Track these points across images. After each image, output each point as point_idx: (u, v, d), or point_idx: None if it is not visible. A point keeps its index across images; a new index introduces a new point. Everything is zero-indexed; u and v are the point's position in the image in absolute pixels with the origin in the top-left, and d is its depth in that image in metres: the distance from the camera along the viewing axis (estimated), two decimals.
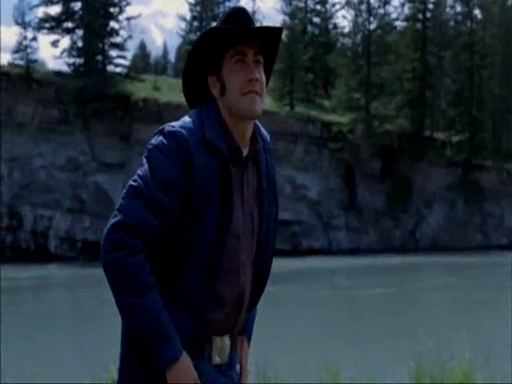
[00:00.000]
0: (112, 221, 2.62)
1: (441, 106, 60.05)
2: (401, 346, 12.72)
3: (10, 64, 51.83)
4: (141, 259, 2.57)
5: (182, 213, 2.63)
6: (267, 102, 53.77)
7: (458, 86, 58.04)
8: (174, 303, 2.64)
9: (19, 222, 49.08)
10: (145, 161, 2.68)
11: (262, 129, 2.95)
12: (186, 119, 2.75)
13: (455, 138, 56.10)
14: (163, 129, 2.71)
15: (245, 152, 2.80)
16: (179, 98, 51.32)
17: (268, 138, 2.97)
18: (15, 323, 23.13)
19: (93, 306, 25.53)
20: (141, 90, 51.76)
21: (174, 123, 2.73)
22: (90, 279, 33.97)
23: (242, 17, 2.78)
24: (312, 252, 50.09)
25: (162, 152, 2.65)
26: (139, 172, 2.66)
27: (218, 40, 2.75)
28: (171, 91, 50.54)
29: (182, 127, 2.70)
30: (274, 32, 2.82)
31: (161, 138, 2.68)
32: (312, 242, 52.14)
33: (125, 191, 2.66)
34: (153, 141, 2.70)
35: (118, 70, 55.23)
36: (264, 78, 2.81)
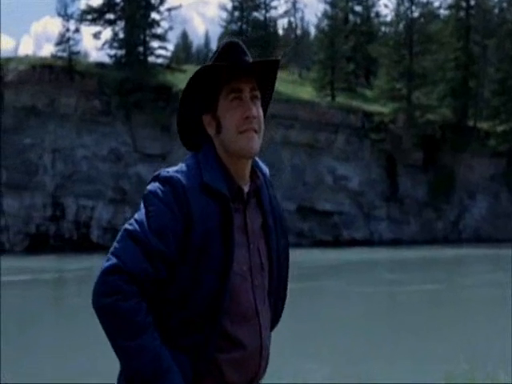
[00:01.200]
0: (105, 264, 2.53)
1: (484, 95, 59.29)
2: (437, 357, 12.32)
3: (53, 56, 52.27)
4: (135, 303, 2.48)
5: (180, 259, 2.55)
6: (309, 92, 53.71)
7: (502, 74, 57.23)
8: (176, 346, 2.55)
9: (62, 213, 49.57)
10: (142, 206, 2.61)
11: (261, 162, 2.89)
12: (182, 164, 2.68)
13: (499, 128, 55.35)
14: (159, 174, 2.65)
15: (246, 189, 2.73)
16: None
17: (267, 171, 2.91)
18: (61, 316, 23.24)
19: None
20: (182, 80, 51.84)
21: (169, 169, 2.67)
22: None
23: (236, 52, 2.68)
24: (353, 243, 49.89)
25: (158, 198, 2.58)
26: (136, 216, 2.59)
27: (212, 78, 2.67)
28: None
29: (177, 172, 2.63)
30: (270, 65, 2.73)
31: (157, 183, 2.62)
32: (353, 233, 51.92)
33: (120, 234, 2.59)
34: (149, 186, 2.64)
35: (160, 60, 55.50)
36: (261, 113, 2.74)
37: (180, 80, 51.71)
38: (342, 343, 16.34)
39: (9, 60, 51.35)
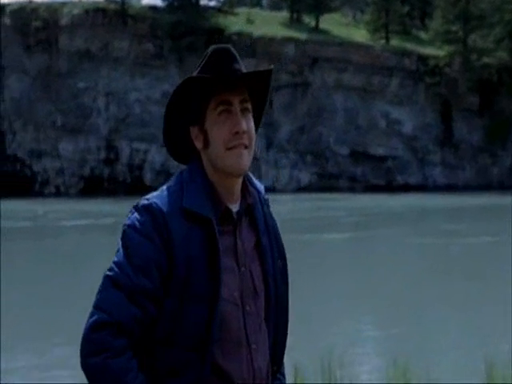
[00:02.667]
0: (90, 320, 2.34)
1: None
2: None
3: (106, 0, 52.26)
4: (126, 361, 2.32)
5: (165, 291, 2.37)
6: (362, 35, 53.01)
7: None
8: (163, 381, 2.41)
9: (116, 156, 50.04)
10: (120, 244, 2.41)
11: (254, 179, 2.67)
12: (164, 188, 2.49)
13: None
14: (137, 204, 2.45)
15: (235, 208, 2.51)
16: (273, 31, 51.05)
17: (262, 187, 2.68)
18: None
19: None
20: (234, 23, 51.55)
21: (149, 195, 2.47)
22: None
23: (225, 60, 2.47)
24: (407, 188, 49.57)
25: (136, 230, 2.39)
26: (115, 259, 2.40)
27: (199, 89, 2.47)
28: (265, 24, 50.15)
29: (157, 198, 2.43)
30: (262, 75, 2.54)
31: (135, 214, 2.42)
32: (407, 178, 51.56)
33: (101, 283, 2.39)
34: (127, 220, 2.44)
35: (212, 3, 55.29)
36: (253, 126, 2.51)
37: (232, 23, 51.39)
38: (388, 299, 15.96)
39: (63, 5, 51.50)
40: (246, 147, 2.47)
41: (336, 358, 7.60)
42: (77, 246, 25.46)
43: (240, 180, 2.52)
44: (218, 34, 50.09)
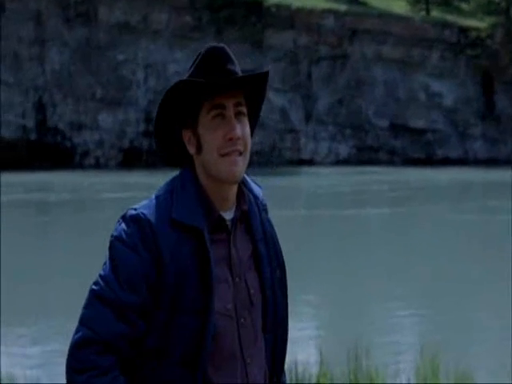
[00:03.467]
0: (75, 336, 2.26)
1: None
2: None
3: None
4: (111, 379, 2.24)
5: (154, 304, 2.29)
6: (402, 6, 52.41)
7: None
8: None
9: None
10: (107, 256, 2.32)
11: (253, 183, 2.56)
12: (153, 197, 2.39)
13: None
14: (125, 214, 2.35)
15: (229, 216, 2.41)
16: (312, 3, 50.70)
17: (260, 192, 2.57)
18: None
19: None
20: None
21: (137, 205, 2.37)
22: None
23: (219, 61, 2.37)
24: (447, 162, 49.13)
25: (123, 242, 2.30)
26: (101, 272, 2.31)
27: (191, 93, 2.36)
28: None
29: (145, 208, 2.34)
30: (258, 78, 2.42)
31: (122, 225, 2.33)
32: (447, 152, 51.10)
33: (86, 298, 2.31)
34: (114, 231, 2.35)
35: None
36: (248, 130, 2.41)
37: None
38: (424, 281, 15.36)
39: None
40: (240, 153, 2.37)
41: (363, 346, 7.45)
42: (116, 218, 25.59)
43: (235, 186, 2.42)
44: (257, 5, 49.84)
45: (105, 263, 2.32)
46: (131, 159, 49.16)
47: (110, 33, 49.67)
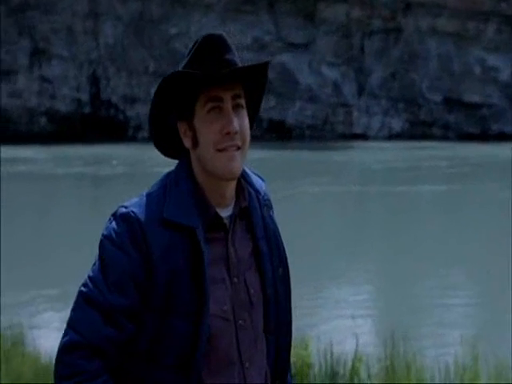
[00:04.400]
0: (62, 340, 2.18)
1: None
2: None
3: None
4: (101, 383, 2.16)
5: (144, 307, 2.19)
6: None
7: None
8: None
9: None
10: (97, 256, 2.23)
11: (254, 177, 2.45)
12: (145, 193, 2.28)
13: None
14: (116, 212, 2.24)
15: (227, 213, 2.30)
16: None
17: (262, 186, 2.45)
18: None
19: (279, 198, 24.28)
20: None
21: (128, 202, 2.26)
22: (276, 164, 34.33)
23: (216, 50, 2.25)
24: (502, 137, 48.41)
25: (112, 242, 2.20)
26: (90, 273, 2.22)
27: (186, 84, 2.23)
28: None
29: (135, 206, 2.23)
30: (256, 70, 2.30)
31: (112, 224, 2.22)
32: (502, 127, 50.35)
33: (75, 300, 2.22)
34: (104, 229, 2.25)
35: None
36: (247, 123, 2.29)
37: None
38: (471, 263, 14.58)
39: None
40: (238, 148, 2.24)
41: (402, 330, 7.28)
42: None
43: (233, 182, 2.30)
44: None
45: (94, 263, 2.22)
46: None
47: (162, 6, 49.77)
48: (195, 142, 2.26)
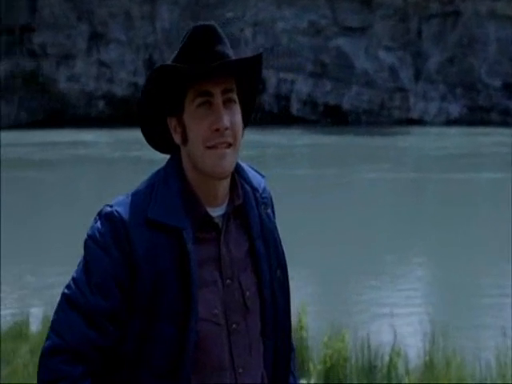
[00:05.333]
0: (45, 344, 2.10)
1: None
2: None
3: None
4: None
5: (129, 310, 2.10)
6: None
7: None
8: None
9: (263, 86, 50.26)
10: (82, 256, 2.15)
11: (253, 172, 2.35)
12: (130, 193, 2.19)
13: None
14: (101, 210, 2.16)
15: (220, 212, 2.19)
16: None
17: (262, 184, 2.34)
18: None
19: (336, 183, 23.73)
20: None
21: (114, 200, 2.17)
22: (332, 149, 34.15)
23: (206, 43, 2.13)
24: None
25: (96, 242, 2.11)
26: (74, 274, 2.13)
27: (174, 80, 2.12)
28: None
29: (120, 205, 2.14)
30: (248, 63, 2.21)
31: (97, 223, 2.14)
32: None
33: (58, 302, 2.14)
34: (89, 229, 2.16)
35: None
36: (239, 119, 2.17)
37: None
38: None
39: None
40: (229, 145, 2.13)
41: (441, 325, 7.14)
42: None
43: (225, 180, 2.19)
44: None
45: (79, 264, 2.15)
46: None
47: None
48: (185, 139, 2.16)
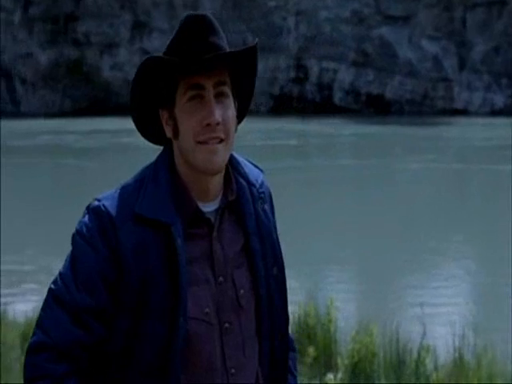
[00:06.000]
0: (30, 341, 2.06)
1: None
2: None
3: None
4: None
5: (117, 308, 2.04)
6: None
7: None
8: None
9: (305, 75, 50.14)
10: (70, 251, 2.10)
11: (250, 166, 2.26)
12: (121, 186, 2.12)
13: None
14: (89, 204, 2.10)
15: (213, 207, 2.12)
16: None
17: (260, 178, 2.26)
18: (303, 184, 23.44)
19: (379, 174, 23.56)
20: None
21: (102, 194, 2.11)
22: (375, 139, 33.92)
23: (198, 33, 2.03)
24: None
25: (83, 237, 2.05)
26: (61, 269, 2.07)
27: (164, 72, 2.05)
28: None
29: (107, 199, 2.07)
30: (242, 55, 2.11)
31: (85, 217, 2.08)
32: None
33: (45, 298, 2.08)
34: (77, 223, 2.09)
35: None
36: (232, 113, 2.09)
37: None
38: None
39: None
40: (221, 141, 2.06)
41: (472, 321, 7.00)
42: (265, 165, 25.60)
43: (218, 175, 2.12)
44: None
45: (66, 259, 2.09)
46: (281, 106, 49.37)
47: None
48: (176, 133, 2.09)
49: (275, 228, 2.25)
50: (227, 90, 2.08)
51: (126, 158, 27.39)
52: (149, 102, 2.12)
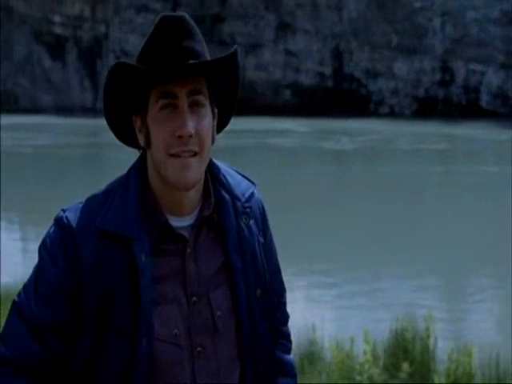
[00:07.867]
0: None
1: None
2: None
3: None
4: None
5: (78, 324, 1.92)
6: None
7: None
8: None
9: (451, 77, 49.21)
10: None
11: (238, 179, 2.09)
12: (88, 197, 1.98)
13: None
14: (56, 215, 1.97)
15: (188, 221, 1.96)
16: None
17: (247, 192, 2.08)
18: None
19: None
20: None
21: (71, 206, 1.98)
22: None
23: (173, 36, 1.87)
24: None
25: (46, 249, 1.93)
26: (26, 281, 1.98)
27: (134, 79, 1.90)
28: None
29: (71, 211, 1.95)
30: (219, 63, 1.91)
31: (52, 228, 1.96)
32: None
33: (9, 309, 1.99)
34: (45, 234, 1.98)
35: None
36: (207, 124, 1.91)
37: None
38: None
39: None
40: (195, 154, 1.89)
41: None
42: (408, 170, 25.40)
43: (193, 190, 1.95)
44: None
45: (33, 270, 1.99)
46: (426, 109, 48.64)
47: None
48: (148, 142, 1.93)
49: (266, 246, 2.09)
50: (203, 98, 1.91)
51: (272, 158, 27.62)
52: (122, 108, 1.98)
